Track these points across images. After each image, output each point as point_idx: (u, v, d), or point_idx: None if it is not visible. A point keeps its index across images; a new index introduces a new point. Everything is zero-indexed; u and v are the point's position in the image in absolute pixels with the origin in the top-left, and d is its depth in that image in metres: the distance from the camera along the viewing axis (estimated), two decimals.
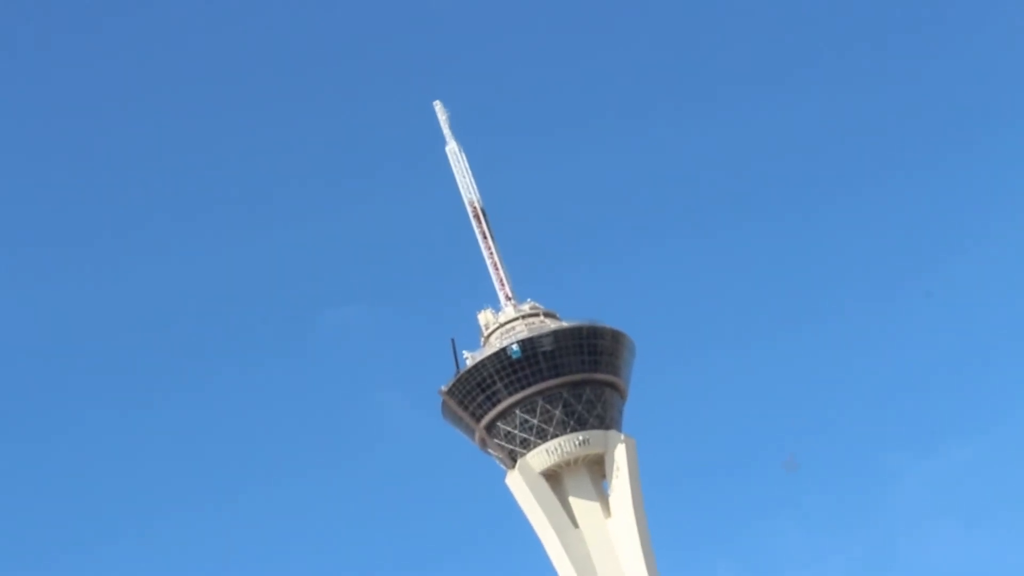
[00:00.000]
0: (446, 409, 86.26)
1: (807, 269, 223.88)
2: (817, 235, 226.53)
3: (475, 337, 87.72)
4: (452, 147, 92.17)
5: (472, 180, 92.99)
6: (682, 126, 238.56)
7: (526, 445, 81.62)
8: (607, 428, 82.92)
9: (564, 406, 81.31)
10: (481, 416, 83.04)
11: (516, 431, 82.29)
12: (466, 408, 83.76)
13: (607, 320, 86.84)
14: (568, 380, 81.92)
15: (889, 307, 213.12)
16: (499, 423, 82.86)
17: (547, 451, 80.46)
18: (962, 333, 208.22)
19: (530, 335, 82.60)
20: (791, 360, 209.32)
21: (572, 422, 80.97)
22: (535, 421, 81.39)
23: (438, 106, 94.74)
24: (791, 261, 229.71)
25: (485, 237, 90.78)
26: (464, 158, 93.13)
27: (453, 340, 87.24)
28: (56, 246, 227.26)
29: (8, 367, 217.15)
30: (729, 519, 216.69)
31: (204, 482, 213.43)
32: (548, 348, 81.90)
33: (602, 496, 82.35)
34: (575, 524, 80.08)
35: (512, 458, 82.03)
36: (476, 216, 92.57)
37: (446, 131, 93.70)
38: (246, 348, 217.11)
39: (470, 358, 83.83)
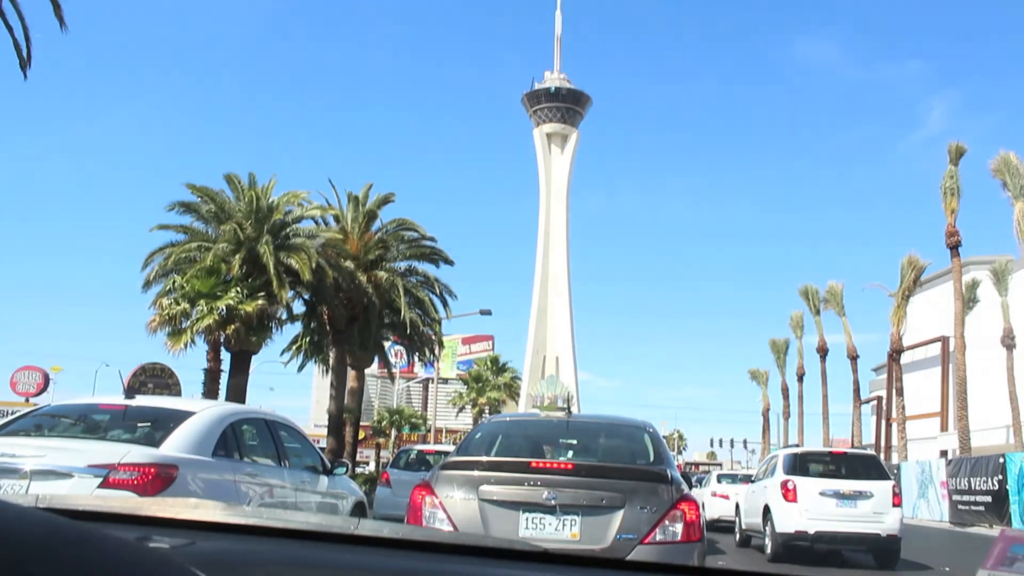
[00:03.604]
0: (523, 101, 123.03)
1: None
2: None
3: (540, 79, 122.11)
4: None
5: None
6: None
7: (544, 121, 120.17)
8: (574, 125, 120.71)
9: (562, 113, 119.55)
10: (533, 106, 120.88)
11: (543, 115, 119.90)
12: (528, 103, 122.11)
13: (586, 87, 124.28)
14: (564, 104, 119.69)
15: None
16: (538, 111, 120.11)
17: (551, 127, 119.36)
18: None
19: (559, 86, 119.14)
20: None
21: (561, 118, 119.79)
22: (550, 114, 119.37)
23: None
24: None
25: (556, 39, 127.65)
26: None
27: (533, 79, 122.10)
28: None
29: None
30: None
31: None
32: (563, 91, 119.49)
33: (563, 148, 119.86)
34: (550, 154, 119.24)
35: (538, 124, 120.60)
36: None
37: None
38: None
39: (536, 85, 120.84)
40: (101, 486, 5.97)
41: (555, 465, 5.69)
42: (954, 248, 34.13)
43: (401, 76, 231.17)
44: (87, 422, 7.44)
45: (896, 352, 40.77)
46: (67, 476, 6.01)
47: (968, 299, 39.34)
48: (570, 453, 6.87)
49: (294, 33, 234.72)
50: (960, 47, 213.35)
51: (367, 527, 1.69)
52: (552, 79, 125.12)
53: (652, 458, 6.29)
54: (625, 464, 6.18)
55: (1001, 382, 37.56)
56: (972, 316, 40.62)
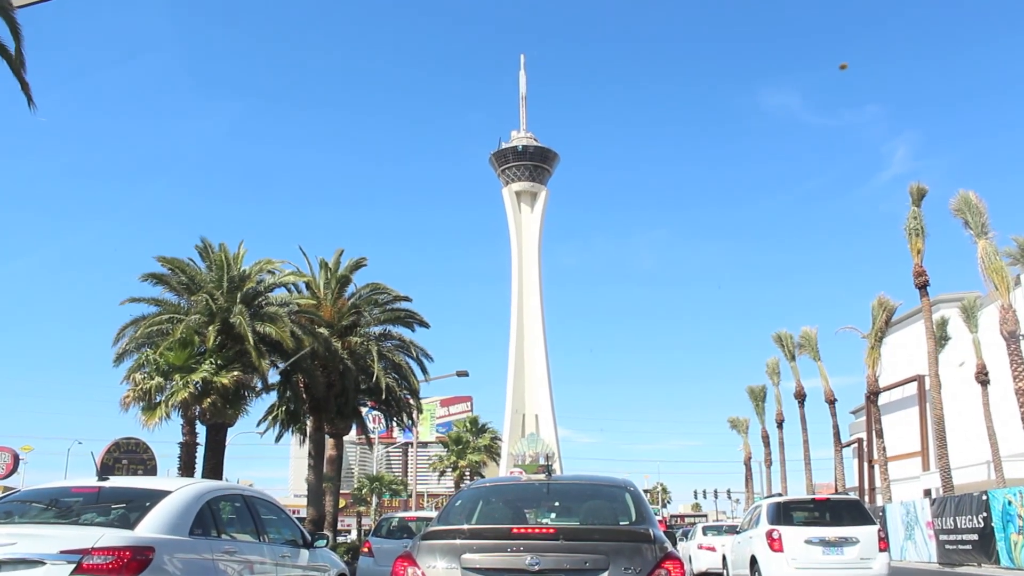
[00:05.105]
0: (491, 160, 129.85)
1: None
2: None
3: (507, 138, 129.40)
4: None
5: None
6: None
7: (513, 180, 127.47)
8: (542, 183, 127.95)
9: (529, 171, 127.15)
10: (501, 165, 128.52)
11: (511, 174, 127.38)
12: (497, 162, 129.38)
13: (552, 144, 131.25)
14: (532, 163, 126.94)
15: None
16: (506, 170, 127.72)
17: (520, 185, 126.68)
18: None
19: (526, 144, 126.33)
20: None
21: (530, 176, 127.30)
22: (518, 173, 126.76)
23: None
24: None
25: (521, 98, 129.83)
26: None
27: (500, 139, 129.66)
28: None
29: None
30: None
31: None
32: (531, 150, 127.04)
33: (533, 205, 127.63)
34: (520, 211, 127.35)
35: (506, 183, 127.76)
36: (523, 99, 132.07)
37: None
38: None
39: (503, 144, 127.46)
40: (74, 572, 5.82)
41: (536, 530, 5.64)
42: (922, 288, 34.54)
43: (367, 134, 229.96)
44: (59, 506, 7.29)
45: (873, 394, 40.95)
46: (39, 564, 5.86)
47: (940, 337, 39.75)
48: (552, 516, 6.82)
49: (261, 88, 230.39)
50: (914, 89, 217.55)
51: None
52: (519, 138, 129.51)
53: (634, 517, 6.26)
54: (607, 525, 6.14)
55: (979, 418, 37.80)
56: (946, 353, 41.01)
